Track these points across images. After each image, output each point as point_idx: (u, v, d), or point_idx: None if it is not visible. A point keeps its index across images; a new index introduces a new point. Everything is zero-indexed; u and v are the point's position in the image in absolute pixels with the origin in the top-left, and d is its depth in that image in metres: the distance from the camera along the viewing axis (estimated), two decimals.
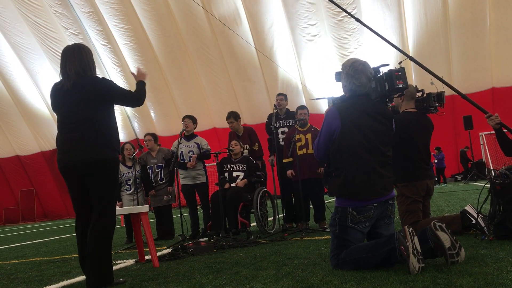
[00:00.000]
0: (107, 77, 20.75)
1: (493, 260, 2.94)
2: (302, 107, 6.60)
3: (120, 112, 21.84)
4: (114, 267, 4.34)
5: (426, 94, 4.44)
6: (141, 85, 3.73)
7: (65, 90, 3.40)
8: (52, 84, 3.60)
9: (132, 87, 3.75)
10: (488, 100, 17.80)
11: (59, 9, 20.12)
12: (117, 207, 6.76)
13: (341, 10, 17.20)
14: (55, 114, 3.55)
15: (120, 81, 20.99)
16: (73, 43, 3.76)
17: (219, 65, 20.19)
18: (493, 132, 3.99)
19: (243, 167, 6.51)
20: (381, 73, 3.32)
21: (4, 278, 4.45)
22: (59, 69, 3.52)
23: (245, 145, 6.86)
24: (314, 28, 18.43)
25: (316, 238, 5.16)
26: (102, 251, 3.29)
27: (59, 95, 3.46)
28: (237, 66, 19.96)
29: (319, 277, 2.95)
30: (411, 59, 4.24)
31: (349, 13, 4.86)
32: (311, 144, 6.19)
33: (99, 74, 3.61)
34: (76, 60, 3.42)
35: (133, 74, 3.87)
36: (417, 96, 4.45)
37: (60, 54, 3.54)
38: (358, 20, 4.53)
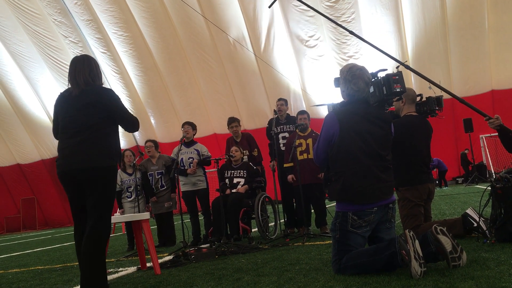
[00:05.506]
0: (108, 85, 20.75)
1: (495, 264, 2.94)
2: (302, 112, 6.61)
3: None
4: (116, 275, 4.35)
5: (426, 97, 4.45)
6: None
7: (73, 97, 3.44)
8: (57, 94, 3.62)
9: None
10: (488, 102, 17.81)
11: (59, 17, 20.18)
12: (119, 215, 6.82)
13: (339, 15, 17.38)
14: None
15: (119, 88, 21.05)
16: (81, 54, 3.80)
17: (218, 71, 20.22)
18: (493, 134, 4.00)
19: (243, 173, 6.52)
20: (378, 78, 3.32)
21: (5, 287, 4.45)
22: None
23: (245, 151, 6.87)
24: (313, 33, 18.47)
25: (318, 243, 5.15)
26: (95, 257, 3.27)
27: (64, 102, 3.49)
28: (236, 71, 19.99)
29: (321, 282, 2.95)
30: (406, 67, 4.23)
31: (341, 26, 4.84)
32: (311, 149, 6.18)
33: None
34: (86, 69, 3.50)
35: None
36: (417, 100, 4.46)
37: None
38: (351, 32, 4.52)
